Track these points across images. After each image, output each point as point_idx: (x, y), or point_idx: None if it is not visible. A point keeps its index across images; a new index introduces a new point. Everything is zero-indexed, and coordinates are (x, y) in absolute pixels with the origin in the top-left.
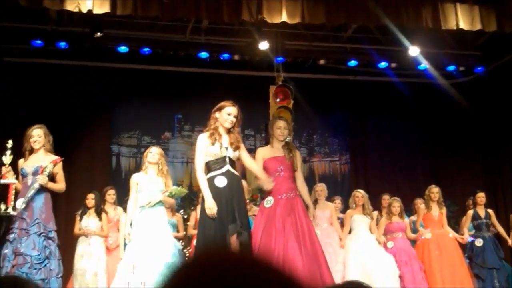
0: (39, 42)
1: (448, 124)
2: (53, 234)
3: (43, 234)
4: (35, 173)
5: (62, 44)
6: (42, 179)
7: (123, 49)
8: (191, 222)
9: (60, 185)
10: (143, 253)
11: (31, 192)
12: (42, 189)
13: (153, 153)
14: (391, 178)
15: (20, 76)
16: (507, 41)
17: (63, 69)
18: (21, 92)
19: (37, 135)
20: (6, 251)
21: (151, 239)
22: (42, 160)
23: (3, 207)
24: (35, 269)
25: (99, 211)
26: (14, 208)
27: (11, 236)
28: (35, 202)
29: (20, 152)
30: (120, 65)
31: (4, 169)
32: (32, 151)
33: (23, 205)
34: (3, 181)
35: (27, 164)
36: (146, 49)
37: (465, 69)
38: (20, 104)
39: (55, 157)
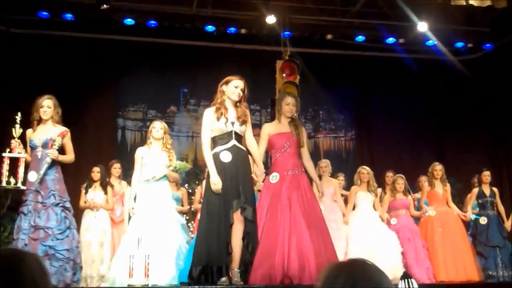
0: (45, 13)
1: (454, 101)
2: (69, 204)
3: (60, 204)
4: (44, 145)
5: (69, 16)
6: (53, 154)
7: (129, 21)
8: (197, 197)
9: (69, 156)
10: (147, 227)
11: (44, 167)
12: (53, 161)
13: (157, 128)
14: (396, 155)
15: (26, 48)
16: None
17: (69, 41)
18: (27, 64)
19: (47, 105)
20: (20, 223)
21: (155, 213)
22: (50, 131)
23: (12, 181)
24: (58, 239)
25: (104, 184)
26: (24, 182)
27: (25, 208)
28: (47, 175)
29: (26, 123)
30: (126, 37)
31: (13, 142)
32: (40, 121)
33: (38, 179)
34: (12, 154)
35: (36, 136)
36: (152, 22)
37: (473, 46)
38: (26, 76)
39: (63, 129)
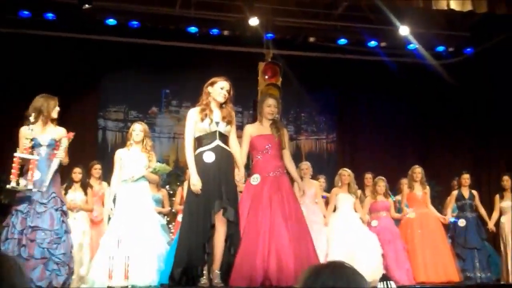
0: (26, 12)
1: (436, 104)
2: (66, 208)
3: (60, 209)
4: (49, 145)
5: (50, 15)
6: (62, 156)
7: (111, 21)
8: (177, 198)
9: (66, 158)
10: (127, 228)
11: (53, 169)
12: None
13: (137, 131)
14: (378, 157)
15: (6, 47)
16: (496, 23)
17: (51, 40)
18: (7, 63)
19: (57, 105)
20: (16, 221)
21: (135, 214)
22: (54, 132)
23: (22, 182)
24: (55, 243)
25: (85, 185)
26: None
27: (22, 207)
28: (47, 175)
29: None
30: (108, 38)
31: (28, 143)
32: (41, 120)
33: (45, 181)
34: (26, 156)
35: (39, 135)
36: (134, 22)
37: (454, 50)
38: (5, 75)
39: (63, 130)
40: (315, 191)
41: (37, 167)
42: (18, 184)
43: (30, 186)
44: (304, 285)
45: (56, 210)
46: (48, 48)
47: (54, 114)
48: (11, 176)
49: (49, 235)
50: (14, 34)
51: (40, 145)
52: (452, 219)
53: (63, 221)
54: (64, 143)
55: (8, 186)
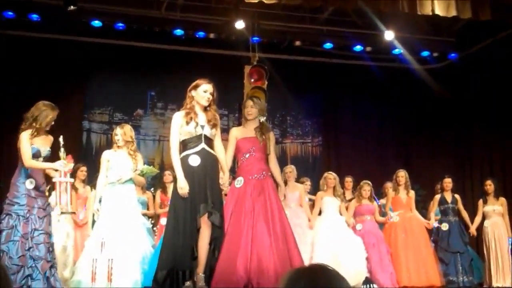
0: (10, 13)
1: (420, 109)
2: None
3: (50, 214)
4: (45, 157)
5: (34, 16)
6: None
7: (96, 23)
8: (157, 200)
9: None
10: (112, 230)
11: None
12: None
13: (118, 135)
14: (363, 161)
15: None
16: (480, 29)
17: (35, 42)
18: None
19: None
20: (18, 224)
21: (120, 216)
22: (47, 142)
23: (64, 207)
24: (52, 248)
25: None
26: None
27: (21, 211)
28: (42, 184)
29: None
30: (93, 39)
31: (66, 165)
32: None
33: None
34: (64, 179)
35: (40, 144)
36: (120, 24)
37: (439, 55)
38: None
39: (51, 138)
40: (299, 194)
41: (34, 174)
42: (63, 209)
43: (69, 209)
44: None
45: (50, 216)
46: (32, 49)
47: (47, 127)
48: (57, 201)
49: (49, 239)
50: None
51: (40, 156)
52: (435, 224)
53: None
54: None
55: (59, 211)
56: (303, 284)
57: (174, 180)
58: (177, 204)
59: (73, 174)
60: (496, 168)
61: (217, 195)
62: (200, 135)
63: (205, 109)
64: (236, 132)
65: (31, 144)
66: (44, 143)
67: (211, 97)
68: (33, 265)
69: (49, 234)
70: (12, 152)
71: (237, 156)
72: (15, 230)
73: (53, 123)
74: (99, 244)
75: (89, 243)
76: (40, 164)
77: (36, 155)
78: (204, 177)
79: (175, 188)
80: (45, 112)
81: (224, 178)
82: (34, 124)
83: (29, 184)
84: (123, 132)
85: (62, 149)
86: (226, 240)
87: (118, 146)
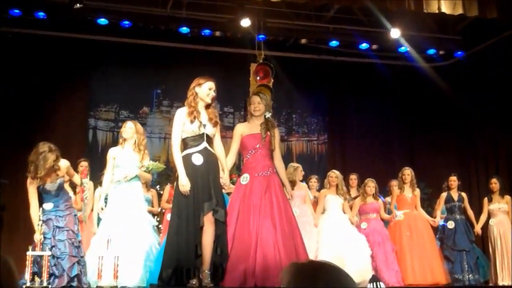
0: (17, 11)
1: (426, 107)
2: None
3: (72, 240)
4: (58, 188)
5: (41, 14)
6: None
7: (102, 21)
8: (165, 196)
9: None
10: (118, 228)
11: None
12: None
13: (127, 128)
14: (368, 159)
15: None
16: (487, 27)
17: (41, 39)
18: None
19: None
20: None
21: (126, 214)
22: (56, 178)
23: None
24: (77, 247)
25: (74, 185)
26: None
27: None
28: (60, 201)
29: None
30: (99, 37)
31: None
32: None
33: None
34: (38, 253)
35: (46, 183)
36: (126, 22)
37: (445, 53)
38: None
39: (64, 162)
40: (304, 192)
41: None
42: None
43: (45, 284)
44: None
45: (75, 215)
46: (39, 47)
47: (53, 168)
48: (27, 275)
49: (71, 236)
50: (5, 32)
51: (49, 192)
52: (441, 222)
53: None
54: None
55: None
56: (305, 281)
57: (177, 178)
58: (180, 202)
59: (75, 170)
60: (502, 166)
61: (220, 193)
62: (203, 134)
63: (206, 107)
64: (241, 129)
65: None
66: (53, 181)
67: (215, 94)
68: (56, 263)
69: (73, 231)
70: (15, 149)
71: (242, 153)
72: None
73: (56, 162)
74: (105, 242)
75: (95, 241)
76: (34, 220)
77: (42, 192)
78: (207, 175)
79: (177, 186)
80: (44, 156)
81: (224, 177)
82: (37, 174)
83: (47, 207)
84: (134, 126)
85: (40, 224)
86: (236, 239)
87: (124, 139)
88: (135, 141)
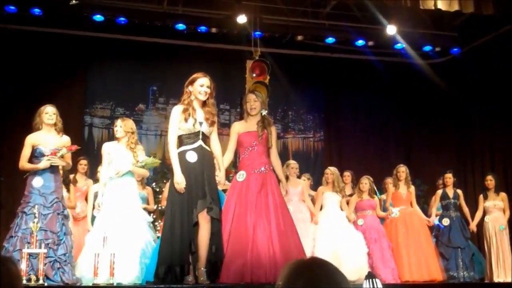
0: (12, 7)
1: (422, 104)
2: (67, 212)
3: (62, 213)
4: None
5: (36, 11)
6: (59, 163)
7: (98, 17)
8: (165, 194)
9: (69, 163)
10: (113, 225)
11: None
12: (57, 168)
13: (117, 127)
14: (364, 156)
15: None
16: (483, 23)
17: (37, 36)
18: None
19: (52, 112)
20: (21, 222)
21: (121, 210)
22: (57, 140)
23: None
24: (57, 245)
25: (67, 182)
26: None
27: (27, 209)
28: (51, 182)
29: None
30: (95, 34)
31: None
32: (41, 128)
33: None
34: (33, 250)
35: (42, 143)
36: (122, 19)
37: (441, 50)
38: None
39: (67, 139)
40: (301, 189)
41: (40, 172)
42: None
43: (40, 282)
44: (284, 285)
45: (58, 214)
46: (34, 44)
47: (49, 120)
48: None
49: (51, 236)
50: (0, 29)
51: (44, 154)
52: (436, 222)
53: (63, 224)
54: (62, 152)
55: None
56: (303, 281)
57: (171, 175)
58: (175, 200)
59: (73, 167)
60: (497, 163)
61: (214, 191)
62: (198, 132)
63: (203, 104)
64: (238, 127)
65: (34, 145)
66: (46, 141)
67: (208, 91)
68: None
69: (53, 232)
70: (11, 147)
71: (238, 150)
72: (16, 227)
73: (53, 115)
74: (101, 239)
75: (90, 238)
76: (29, 165)
77: (38, 155)
78: (202, 173)
79: (172, 184)
80: (38, 111)
81: (220, 175)
82: (35, 124)
83: (36, 183)
84: (123, 124)
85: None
86: (232, 235)
87: (117, 138)
88: (127, 139)
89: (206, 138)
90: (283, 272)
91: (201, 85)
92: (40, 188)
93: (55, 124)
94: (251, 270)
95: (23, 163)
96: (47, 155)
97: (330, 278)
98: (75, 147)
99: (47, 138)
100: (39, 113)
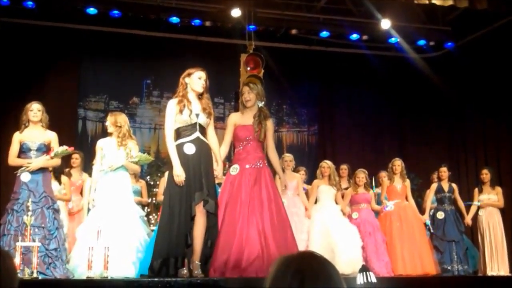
0: (5, 0)
1: (416, 97)
2: (57, 206)
3: (51, 207)
4: (39, 149)
5: (30, 3)
6: (55, 162)
7: (92, 10)
8: (160, 189)
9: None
10: (107, 219)
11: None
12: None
13: (108, 123)
14: (359, 149)
15: None
16: (477, 18)
17: (30, 29)
18: None
19: (37, 108)
20: (12, 218)
21: (114, 204)
22: (43, 136)
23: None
24: (48, 239)
25: (57, 175)
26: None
27: (16, 206)
28: (39, 176)
29: None
30: (88, 27)
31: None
32: (28, 124)
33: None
34: (27, 244)
35: (28, 139)
36: (115, 12)
37: (435, 44)
38: None
39: (53, 134)
40: (296, 183)
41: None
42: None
43: (34, 275)
44: (273, 279)
45: (48, 208)
46: (27, 37)
47: (34, 117)
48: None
49: (41, 231)
50: None
51: (30, 150)
52: (428, 222)
53: (54, 218)
54: (62, 151)
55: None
56: (292, 274)
57: (170, 167)
58: (172, 192)
59: (67, 161)
60: (490, 157)
61: (211, 183)
62: (195, 123)
63: (199, 97)
64: (235, 118)
65: (21, 141)
66: (32, 137)
67: (205, 84)
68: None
69: (43, 227)
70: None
71: (234, 143)
72: (8, 224)
73: (38, 112)
74: (95, 232)
75: (84, 231)
76: (19, 160)
77: (24, 150)
78: (199, 165)
79: (170, 176)
80: (24, 109)
81: (217, 168)
82: (21, 122)
83: (24, 177)
84: (113, 119)
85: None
86: (222, 229)
87: (109, 133)
88: (120, 133)
89: (203, 129)
90: (272, 266)
91: (199, 78)
92: (28, 182)
93: (40, 120)
94: (240, 265)
95: (13, 158)
96: (34, 151)
97: (319, 269)
98: (71, 149)
99: (33, 134)
100: (26, 111)
